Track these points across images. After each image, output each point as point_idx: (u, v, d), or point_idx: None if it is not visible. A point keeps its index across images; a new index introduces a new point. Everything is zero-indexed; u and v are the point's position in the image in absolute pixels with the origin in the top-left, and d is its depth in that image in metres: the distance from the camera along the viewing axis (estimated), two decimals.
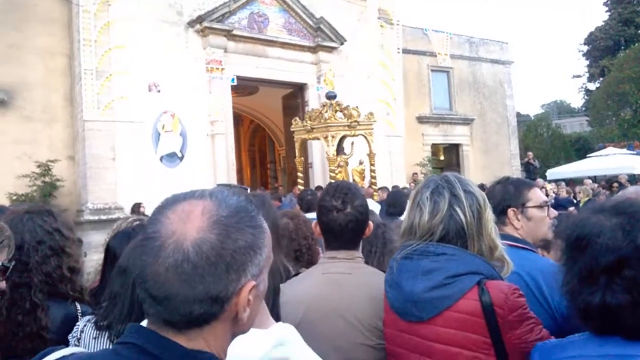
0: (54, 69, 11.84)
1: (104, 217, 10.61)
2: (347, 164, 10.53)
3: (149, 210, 10.01)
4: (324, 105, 10.24)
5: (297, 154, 11.04)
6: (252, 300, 0.89)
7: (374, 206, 7.31)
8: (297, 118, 10.70)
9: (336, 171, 10.16)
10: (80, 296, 2.14)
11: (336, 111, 10.05)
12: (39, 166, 10.92)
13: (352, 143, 10.79)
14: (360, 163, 11.47)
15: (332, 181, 2.56)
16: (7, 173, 10.87)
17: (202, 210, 0.85)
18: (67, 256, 2.13)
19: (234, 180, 12.86)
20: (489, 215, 1.67)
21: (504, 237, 2.04)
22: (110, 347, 0.99)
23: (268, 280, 1.93)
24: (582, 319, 1.25)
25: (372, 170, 10.78)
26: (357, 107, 10.36)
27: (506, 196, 2.18)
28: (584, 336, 1.28)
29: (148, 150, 11.77)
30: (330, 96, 10.34)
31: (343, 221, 1.90)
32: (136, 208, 10.26)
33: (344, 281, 1.88)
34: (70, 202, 11.31)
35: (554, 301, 1.89)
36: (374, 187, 10.77)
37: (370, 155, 10.68)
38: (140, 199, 10.81)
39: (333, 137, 9.99)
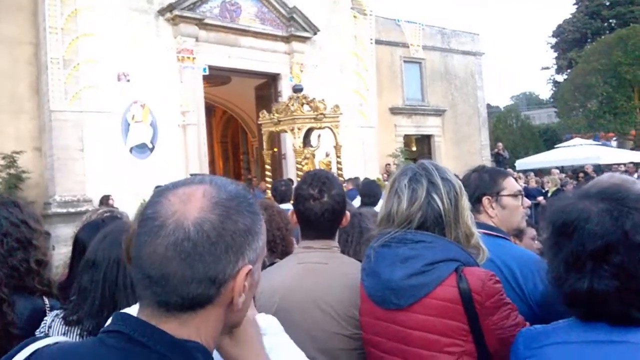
0: (20, 59, 11.48)
1: (72, 210, 10.39)
2: (313, 155, 10.60)
3: (117, 202, 9.82)
4: (290, 98, 10.26)
5: (264, 146, 11.08)
6: (247, 287, 0.89)
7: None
8: (265, 111, 10.74)
9: (302, 163, 10.20)
10: (48, 290, 2.08)
11: (302, 104, 10.11)
12: (3, 158, 10.61)
13: (319, 135, 10.91)
14: (327, 155, 11.59)
15: (309, 171, 2.53)
16: None
17: (202, 193, 0.87)
18: (34, 249, 2.06)
19: (206, 172, 12.73)
20: (465, 202, 1.68)
21: (479, 225, 2.06)
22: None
23: None
24: (569, 305, 1.25)
25: (338, 162, 10.91)
26: (323, 100, 10.45)
27: (481, 184, 2.19)
28: (569, 322, 1.28)
29: (117, 141, 11.55)
30: (297, 89, 10.42)
31: (319, 210, 1.89)
32: (105, 200, 10.07)
33: (319, 270, 1.87)
34: (37, 195, 11.02)
35: (527, 288, 1.92)
36: (341, 178, 10.84)
37: (337, 147, 10.78)
38: (110, 190, 10.62)
39: (299, 129, 10.07)
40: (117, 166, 11.35)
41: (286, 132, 10.55)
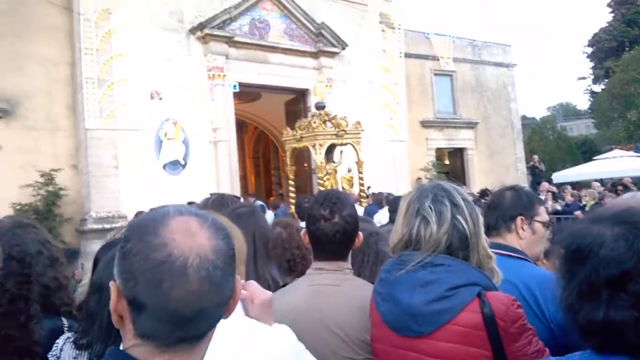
0: (57, 78, 11.87)
1: (107, 226, 10.58)
2: (335, 171, 10.91)
3: None
4: (313, 115, 10.60)
5: (288, 162, 11.24)
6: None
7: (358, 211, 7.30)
8: (288, 127, 10.96)
9: (324, 178, 10.46)
10: (68, 309, 2.10)
11: (324, 121, 10.37)
12: (42, 175, 10.94)
13: (341, 152, 11.15)
14: (349, 171, 11.93)
15: (322, 189, 2.51)
16: (11, 183, 10.89)
17: (197, 224, 0.86)
18: (61, 266, 2.10)
19: (237, 188, 12.85)
20: (482, 225, 1.65)
21: (501, 247, 2.02)
22: None
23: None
24: (583, 336, 1.16)
25: (360, 178, 11.15)
26: (345, 117, 10.66)
27: (519, 204, 2.14)
28: (585, 354, 1.19)
29: (150, 158, 11.78)
30: (319, 107, 10.73)
31: (330, 231, 1.86)
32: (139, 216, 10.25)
33: (331, 293, 1.84)
34: (74, 211, 11.32)
35: (549, 311, 1.86)
36: (363, 193, 11.04)
37: (359, 163, 11.04)
38: (143, 207, 10.76)
39: (321, 145, 10.32)
40: (150, 183, 11.55)
41: (308, 148, 10.70)
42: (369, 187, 13.72)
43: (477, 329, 1.45)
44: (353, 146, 10.82)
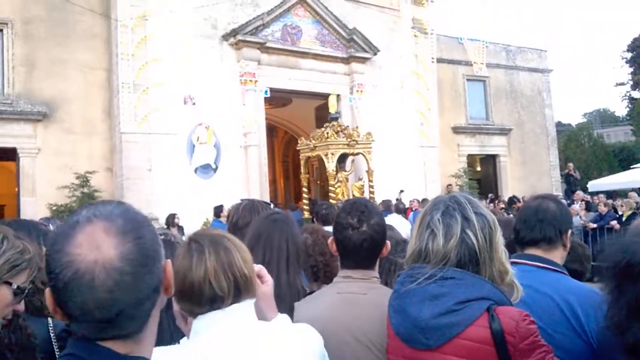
0: (94, 83, 12.22)
1: None
2: (347, 179, 11.43)
3: (183, 221, 10.16)
4: (326, 126, 11.10)
5: (302, 170, 11.87)
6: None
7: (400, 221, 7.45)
8: (303, 137, 11.59)
9: (335, 186, 11.04)
10: (49, 312, 2.13)
11: (337, 131, 10.98)
12: (77, 177, 11.24)
13: (353, 161, 11.92)
14: (360, 179, 12.26)
15: (349, 199, 2.50)
16: (49, 184, 11.25)
17: (103, 232, 0.88)
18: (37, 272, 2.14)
19: (266, 191, 12.94)
20: (499, 238, 1.59)
21: (540, 259, 1.98)
22: None
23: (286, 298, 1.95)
24: (629, 356, 1.12)
25: (370, 186, 11.67)
26: (357, 127, 11.52)
27: (564, 217, 2.06)
28: None
29: (183, 161, 11.97)
30: (333, 118, 11.36)
31: (358, 240, 1.85)
32: (171, 219, 10.39)
33: (359, 301, 1.83)
34: None
35: (589, 326, 1.79)
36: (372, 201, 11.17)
37: (369, 172, 11.55)
38: (175, 209, 10.97)
39: (332, 154, 10.90)
40: (182, 186, 11.74)
41: (321, 157, 11.25)
42: (401, 191, 13.73)
43: (485, 343, 1.42)
44: (364, 155, 11.42)
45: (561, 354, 1.67)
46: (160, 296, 0.96)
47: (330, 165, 10.86)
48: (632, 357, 1.11)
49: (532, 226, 2.02)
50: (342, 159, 11.28)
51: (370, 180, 11.62)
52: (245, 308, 1.38)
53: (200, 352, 1.30)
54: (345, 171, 11.49)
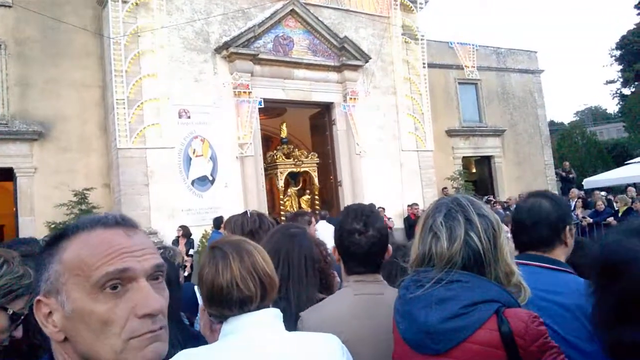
0: (89, 100, 12.26)
1: None
2: (296, 194, 13.99)
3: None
4: (276, 150, 14.17)
5: (280, 184, 14.02)
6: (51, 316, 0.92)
7: (326, 227, 7.53)
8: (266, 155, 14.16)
9: (284, 199, 13.72)
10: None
11: (286, 154, 13.72)
12: (75, 195, 11.25)
13: (300, 178, 14.38)
14: (307, 193, 14.42)
15: (350, 205, 2.52)
16: (47, 202, 11.26)
17: None
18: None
19: (264, 202, 12.97)
20: (504, 239, 1.56)
21: (544, 259, 1.92)
22: None
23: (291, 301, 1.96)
24: (610, 356, 1.09)
25: (315, 199, 14.24)
26: (303, 150, 14.45)
27: (562, 213, 1.99)
28: None
29: (180, 175, 12.00)
30: (284, 142, 14.37)
31: (366, 244, 1.89)
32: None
33: (377, 301, 1.86)
34: None
35: None
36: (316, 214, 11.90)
37: (315, 188, 14.24)
38: (174, 222, 11.03)
39: (281, 173, 13.68)
40: (180, 199, 11.77)
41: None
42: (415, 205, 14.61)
43: (495, 347, 1.39)
44: (309, 173, 14.03)
45: (575, 354, 1.67)
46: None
47: (279, 182, 13.35)
48: (612, 356, 1.09)
49: (527, 229, 1.97)
50: (294, 176, 14.08)
51: (315, 194, 14.17)
52: (273, 311, 1.45)
53: (231, 353, 1.34)
54: (294, 187, 14.05)
